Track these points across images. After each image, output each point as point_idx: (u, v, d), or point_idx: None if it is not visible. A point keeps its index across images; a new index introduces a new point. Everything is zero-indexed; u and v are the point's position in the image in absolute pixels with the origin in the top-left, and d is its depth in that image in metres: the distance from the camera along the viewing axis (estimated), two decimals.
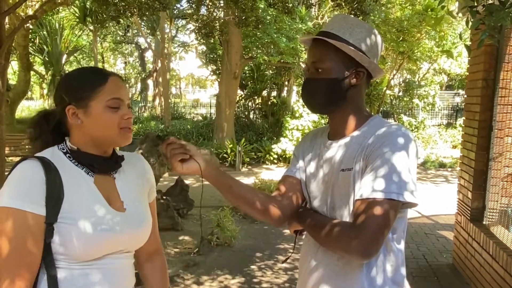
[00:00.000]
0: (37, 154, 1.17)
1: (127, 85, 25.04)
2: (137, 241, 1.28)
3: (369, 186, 1.17)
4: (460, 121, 15.63)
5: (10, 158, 10.99)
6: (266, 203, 1.33)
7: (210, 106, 20.71)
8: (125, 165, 1.30)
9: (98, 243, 1.14)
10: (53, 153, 1.19)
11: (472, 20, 1.59)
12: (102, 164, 1.23)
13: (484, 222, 3.84)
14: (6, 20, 6.05)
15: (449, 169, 11.45)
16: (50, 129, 1.25)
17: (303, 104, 10.41)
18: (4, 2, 4.57)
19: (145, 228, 1.29)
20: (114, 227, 1.18)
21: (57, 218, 1.11)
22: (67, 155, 1.21)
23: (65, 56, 15.14)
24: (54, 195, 1.11)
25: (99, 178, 1.22)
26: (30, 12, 9.59)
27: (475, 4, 1.60)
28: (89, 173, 1.21)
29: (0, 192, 1.11)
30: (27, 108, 21.38)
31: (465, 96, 4.34)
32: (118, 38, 24.98)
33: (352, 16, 1.61)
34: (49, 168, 1.13)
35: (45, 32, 14.35)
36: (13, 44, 10.33)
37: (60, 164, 1.16)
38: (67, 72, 1.40)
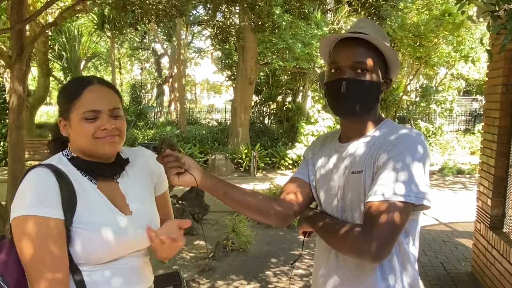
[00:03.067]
0: (45, 162, 1.21)
1: (143, 91, 25.32)
2: (146, 241, 1.27)
3: (380, 188, 1.17)
4: (478, 127, 15.40)
5: (29, 162, 11.21)
6: (264, 205, 1.34)
7: (225, 112, 20.80)
8: (128, 167, 1.31)
9: (110, 247, 1.17)
10: (59, 160, 1.23)
11: (493, 24, 1.57)
12: (103, 170, 1.24)
13: (504, 230, 3.77)
14: (27, 27, 6.19)
15: (467, 176, 11.26)
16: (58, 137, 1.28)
17: (319, 109, 10.23)
18: (25, 10, 4.68)
19: (155, 223, 1.30)
20: (123, 231, 1.20)
21: (72, 222, 1.14)
22: (71, 162, 1.23)
23: (83, 62, 15.40)
24: (69, 199, 1.14)
25: (102, 184, 1.24)
26: (50, 19, 9.79)
27: (496, 9, 1.58)
28: (92, 180, 1.23)
29: (16, 202, 1.13)
30: (46, 113, 21.75)
31: (484, 101, 4.28)
32: (135, 44, 25.26)
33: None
34: (60, 174, 1.16)
35: (64, 39, 14.61)
36: (33, 51, 10.54)
37: (67, 171, 1.20)
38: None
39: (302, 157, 1.50)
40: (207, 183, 1.28)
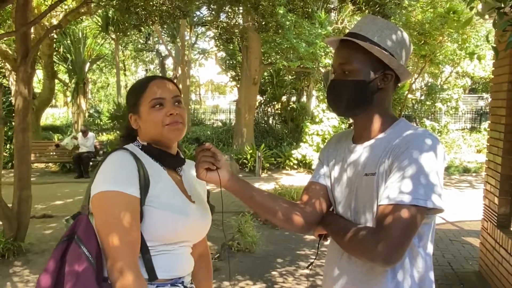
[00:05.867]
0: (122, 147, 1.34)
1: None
2: (202, 231, 1.42)
3: (394, 191, 1.15)
4: (485, 125, 15.31)
5: (36, 164, 11.25)
6: (288, 211, 1.33)
7: (230, 112, 20.81)
8: (185, 167, 1.45)
9: (178, 228, 1.27)
10: (132, 148, 1.34)
11: (499, 21, 1.56)
12: (170, 160, 1.37)
13: (511, 228, 3.74)
14: (32, 30, 6.22)
15: (474, 174, 11.21)
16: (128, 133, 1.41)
17: (323, 109, 10.22)
18: (30, 12, 4.71)
19: (209, 220, 1.44)
20: (190, 215, 1.31)
21: (145, 201, 1.23)
22: (142, 150, 1.35)
23: (88, 64, 15.43)
24: (145, 180, 1.24)
25: (170, 173, 1.36)
26: (54, 22, 9.84)
27: (502, 5, 1.57)
28: (162, 167, 1.35)
29: (99, 179, 1.22)
30: (52, 115, 21.89)
31: (490, 99, 4.25)
32: (139, 46, 25.35)
33: (381, 17, 1.51)
34: (136, 158, 1.27)
35: (68, 41, 14.66)
36: (38, 53, 10.60)
37: (140, 156, 1.30)
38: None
39: (318, 159, 1.49)
40: (234, 185, 1.31)
